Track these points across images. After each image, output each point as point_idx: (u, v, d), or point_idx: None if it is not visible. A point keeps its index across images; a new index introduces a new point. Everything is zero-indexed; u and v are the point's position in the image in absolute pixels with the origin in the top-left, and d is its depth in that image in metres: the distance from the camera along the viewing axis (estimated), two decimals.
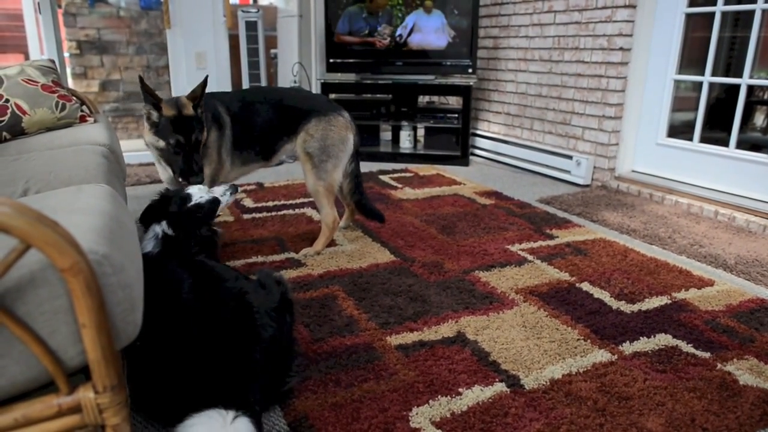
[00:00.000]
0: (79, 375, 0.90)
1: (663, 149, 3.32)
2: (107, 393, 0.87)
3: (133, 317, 0.91)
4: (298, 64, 4.88)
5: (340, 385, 1.40)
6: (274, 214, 2.79)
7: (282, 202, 3.00)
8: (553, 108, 3.78)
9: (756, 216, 2.72)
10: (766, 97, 3.52)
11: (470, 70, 4.09)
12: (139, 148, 4.16)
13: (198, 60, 4.17)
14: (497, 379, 1.43)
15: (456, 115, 4.18)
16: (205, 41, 4.17)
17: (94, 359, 0.84)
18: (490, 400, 1.35)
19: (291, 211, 2.83)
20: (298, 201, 3.01)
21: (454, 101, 4.75)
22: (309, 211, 2.82)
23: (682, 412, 1.32)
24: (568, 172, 3.60)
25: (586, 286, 2.01)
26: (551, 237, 2.53)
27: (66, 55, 4.64)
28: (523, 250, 2.36)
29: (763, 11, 2.81)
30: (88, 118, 2.37)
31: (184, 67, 4.17)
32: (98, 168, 1.64)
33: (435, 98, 4.93)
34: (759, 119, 3.40)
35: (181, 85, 4.23)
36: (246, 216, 2.75)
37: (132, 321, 0.91)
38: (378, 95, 4.52)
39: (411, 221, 2.71)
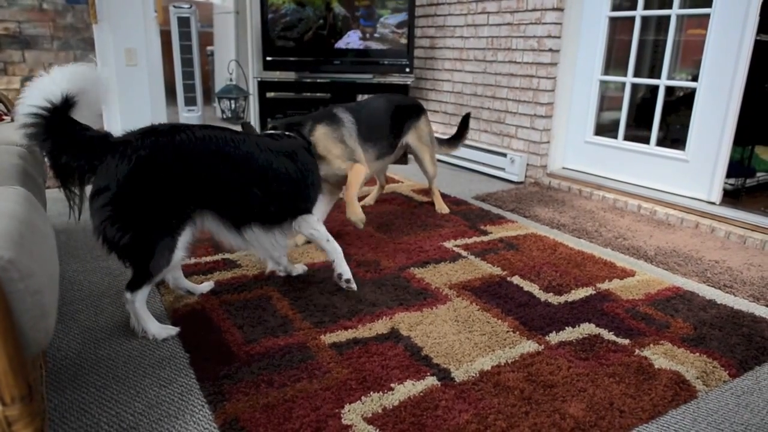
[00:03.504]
0: None
1: (591, 147, 3.47)
2: (16, 405, 0.83)
3: (44, 324, 0.87)
4: (235, 62, 4.79)
5: (272, 385, 1.39)
6: None
7: None
8: (488, 107, 3.88)
9: (674, 209, 2.89)
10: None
11: (408, 70, 4.14)
12: None
13: (128, 57, 4.03)
14: (429, 373, 1.46)
15: None
16: (135, 37, 4.03)
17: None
18: (422, 393, 1.38)
19: None
20: None
21: None
22: None
23: (601, 397, 1.39)
24: (502, 169, 3.70)
25: (516, 280, 2.07)
26: (485, 233, 2.60)
27: None
28: (457, 246, 2.41)
29: (678, 16, 2.98)
30: (4, 117, 2.25)
31: (114, 64, 4.02)
32: (13, 169, 1.56)
33: None
34: (680, 117, 3.61)
35: (110, 83, 4.07)
36: None
37: (43, 328, 0.87)
38: (317, 94, 4.50)
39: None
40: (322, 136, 2.29)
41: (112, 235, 1.48)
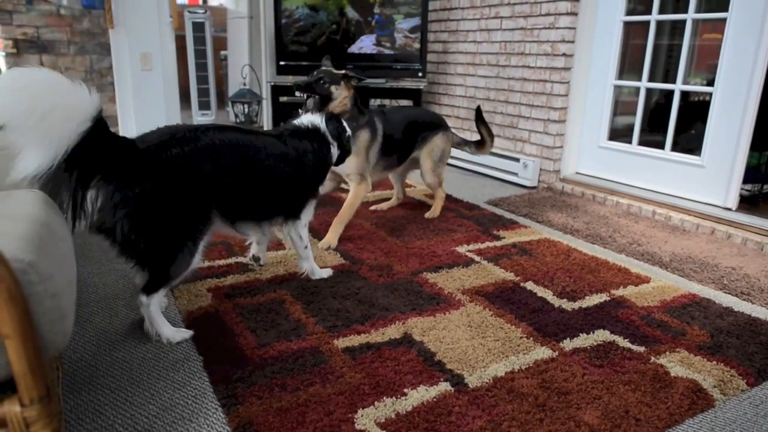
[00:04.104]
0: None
1: (604, 152, 3.45)
2: (35, 406, 0.84)
3: (62, 326, 0.88)
4: (248, 66, 4.82)
5: (285, 389, 1.39)
6: None
7: None
8: (500, 112, 3.87)
9: (689, 215, 2.86)
10: (701, 101, 3.70)
11: (420, 74, 4.14)
12: None
13: (143, 61, 4.07)
14: (442, 379, 1.45)
15: None
16: (151, 42, 4.07)
17: (19, 371, 0.81)
18: (435, 399, 1.37)
19: None
20: None
21: (405, 104, 4.79)
22: None
23: (617, 405, 1.37)
24: (515, 174, 3.69)
25: (530, 286, 2.06)
26: (498, 238, 2.59)
27: (1, 54, 4.43)
28: (470, 251, 2.40)
29: (694, 20, 2.96)
30: None
31: (129, 69, 4.06)
32: None
33: (386, 101, 4.96)
34: (696, 122, 3.58)
35: (125, 87, 4.12)
36: None
37: (61, 330, 0.88)
38: None
39: (361, 224, 2.72)
40: (360, 142, 2.47)
41: (137, 241, 1.47)
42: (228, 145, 1.65)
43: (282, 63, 4.21)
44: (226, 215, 1.71)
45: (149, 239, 1.48)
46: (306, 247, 2.02)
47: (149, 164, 1.47)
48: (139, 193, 1.44)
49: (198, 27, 5.07)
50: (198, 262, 1.61)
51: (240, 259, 2.23)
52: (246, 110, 4.70)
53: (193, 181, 1.54)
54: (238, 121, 5.24)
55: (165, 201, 1.49)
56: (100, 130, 1.30)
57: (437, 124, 2.89)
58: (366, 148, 2.50)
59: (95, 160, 1.34)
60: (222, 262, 2.20)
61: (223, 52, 6.18)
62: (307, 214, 2.00)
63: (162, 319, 1.62)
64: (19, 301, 0.77)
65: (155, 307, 1.59)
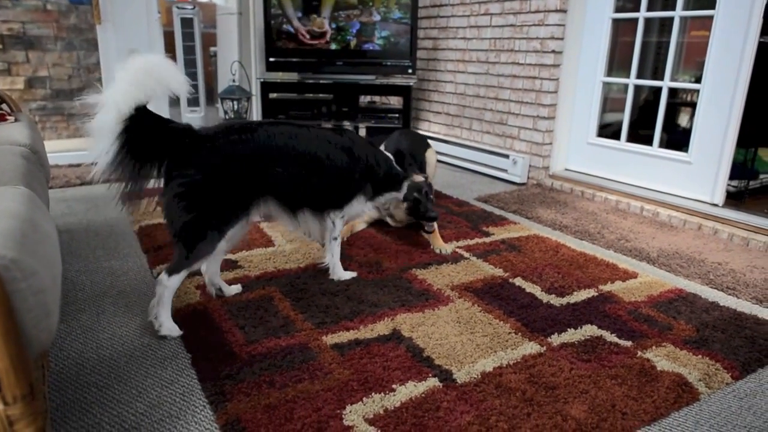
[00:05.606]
0: None
1: (593, 148, 3.46)
2: (18, 404, 0.83)
3: (47, 323, 0.87)
4: (238, 62, 4.80)
5: (274, 386, 1.39)
6: None
7: None
8: (490, 108, 3.87)
9: (677, 211, 2.89)
10: (689, 99, 3.73)
11: (410, 71, 4.14)
12: (69, 149, 3.98)
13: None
14: (430, 374, 1.46)
15: (397, 115, 4.23)
16: (139, 38, 4.03)
17: (1, 369, 0.80)
18: (423, 395, 1.37)
19: None
20: None
21: (395, 101, 4.80)
22: None
23: (604, 399, 1.38)
24: (505, 170, 3.70)
25: (519, 281, 2.07)
26: (487, 234, 2.60)
27: None
28: (459, 247, 2.41)
29: (681, 18, 2.97)
30: (8, 117, 2.25)
31: (117, 65, 4.02)
32: (16, 170, 1.56)
33: (376, 98, 4.96)
34: (683, 120, 3.60)
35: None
36: None
37: (45, 327, 0.87)
38: (320, 95, 4.51)
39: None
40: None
41: (185, 215, 1.54)
42: (283, 136, 1.73)
43: (271, 59, 4.19)
44: (286, 203, 1.79)
45: (196, 214, 1.55)
46: (335, 239, 2.00)
47: (208, 148, 1.59)
48: (195, 174, 1.55)
49: (187, 23, 5.03)
50: (223, 247, 1.67)
51: (228, 256, 2.22)
52: (235, 107, 4.68)
53: (244, 167, 1.63)
54: (227, 117, 5.22)
55: (218, 184, 1.58)
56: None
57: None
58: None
59: (161, 143, 1.55)
60: None
61: (212, 49, 6.14)
62: (352, 207, 1.99)
63: (169, 307, 1.63)
64: (1, 298, 0.77)
65: (170, 292, 1.61)
